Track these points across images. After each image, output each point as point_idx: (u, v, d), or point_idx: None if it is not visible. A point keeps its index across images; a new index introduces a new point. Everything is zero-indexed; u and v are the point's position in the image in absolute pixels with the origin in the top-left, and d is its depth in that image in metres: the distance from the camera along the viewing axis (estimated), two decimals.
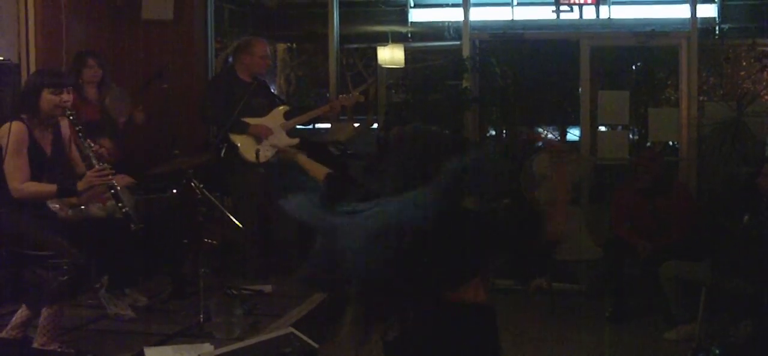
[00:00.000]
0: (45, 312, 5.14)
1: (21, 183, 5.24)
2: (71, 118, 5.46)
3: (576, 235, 8.74)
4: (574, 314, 8.28)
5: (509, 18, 9.70)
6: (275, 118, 7.81)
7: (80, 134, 5.55)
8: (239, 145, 7.55)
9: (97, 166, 5.41)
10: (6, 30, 7.53)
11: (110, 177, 5.43)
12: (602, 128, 9.97)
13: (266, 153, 7.60)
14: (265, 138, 7.64)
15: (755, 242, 6.78)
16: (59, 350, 5.14)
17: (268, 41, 8.21)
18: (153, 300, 6.75)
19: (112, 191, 5.51)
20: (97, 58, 7.23)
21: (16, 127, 5.17)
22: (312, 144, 9.03)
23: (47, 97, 5.28)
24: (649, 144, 10.09)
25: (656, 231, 7.92)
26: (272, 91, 8.60)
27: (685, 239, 7.81)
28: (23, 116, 5.27)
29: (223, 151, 7.55)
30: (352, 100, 8.34)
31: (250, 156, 7.50)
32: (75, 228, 6.16)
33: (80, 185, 5.39)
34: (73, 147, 5.61)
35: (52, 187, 5.38)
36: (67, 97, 5.34)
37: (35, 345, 5.07)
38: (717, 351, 6.07)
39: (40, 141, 5.36)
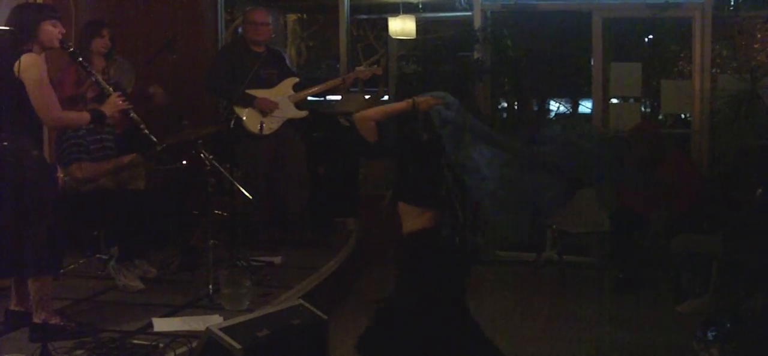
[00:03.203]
0: (32, 284, 5.09)
1: (58, 112, 5.19)
2: (71, 50, 5.47)
3: (586, 208, 8.72)
4: (584, 286, 8.26)
5: None
6: (283, 90, 7.76)
7: (85, 65, 5.67)
8: (244, 117, 7.52)
9: (113, 93, 5.63)
10: (13, 1, 7.47)
11: (128, 103, 5.69)
12: (614, 100, 9.93)
13: (271, 125, 7.57)
14: (269, 112, 7.60)
15: None
16: (61, 324, 5.11)
17: (273, 11, 8.16)
18: (162, 271, 6.73)
19: (131, 116, 5.79)
20: (110, 29, 7.19)
21: (34, 58, 5.03)
22: (322, 115, 9.02)
23: (47, 29, 5.15)
24: (661, 116, 10.05)
25: (663, 201, 7.89)
26: (286, 61, 8.54)
27: (696, 210, 7.78)
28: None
29: (232, 122, 7.53)
30: (368, 73, 8.28)
31: (253, 128, 7.48)
32: (85, 199, 6.17)
33: (108, 109, 5.54)
34: None
35: (86, 115, 5.47)
36: (62, 29, 5.29)
37: (35, 320, 5.03)
38: (728, 325, 6.03)
39: None
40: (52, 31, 5.17)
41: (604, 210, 8.04)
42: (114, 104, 5.58)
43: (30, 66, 4.97)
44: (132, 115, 5.81)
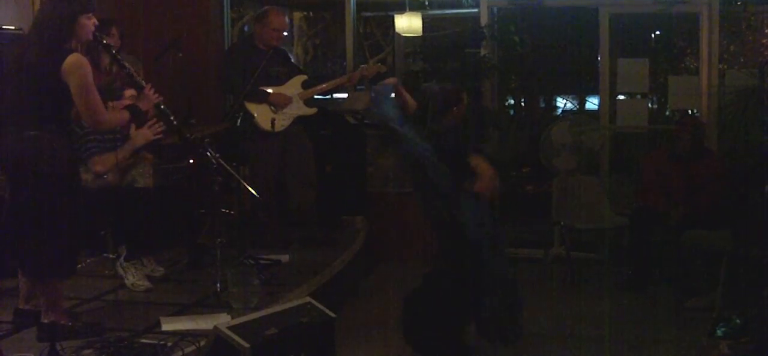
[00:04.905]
0: (46, 287, 5.05)
1: (104, 115, 5.06)
2: (105, 42, 5.39)
3: (595, 204, 8.70)
4: (593, 283, 8.25)
5: None
6: (293, 88, 7.77)
7: (119, 59, 5.54)
8: (255, 114, 7.52)
9: (146, 86, 5.47)
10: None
11: (160, 96, 5.52)
12: (621, 96, 9.90)
13: (282, 122, 7.57)
14: (284, 107, 7.61)
15: None
16: (69, 324, 5.10)
17: (285, 11, 8.13)
18: (170, 270, 6.72)
19: (162, 107, 5.63)
20: (118, 27, 7.19)
21: (80, 60, 4.86)
22: (329, 113, 9.01)
23: (84, 23, 4.98)
24: (667, 112, 10.02)
25: (686, 197, 7.87)
26: (291, 60, 8.54)
27: (714, 208, 7.75)
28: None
29: (239, 120, 7.52)
30: (373, 70, 8.28)
31: (265, 125, 7.48)
32: (93, 197, 6.16)
33: (143, 104, 5.40)
34: None
35: (126, 113, 5.37)
36: (95, 21, 5.11)
37: (44, 320, 5.02)
38: (737, 321, 6.02)
39: None
40: (87, 24, 5.00)
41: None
42: (149, 98, 5.41)
43: (77, 68, 4.84)
44: (163, 106, 5.64)
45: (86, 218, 5.91)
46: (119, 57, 5.59)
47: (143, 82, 5.52)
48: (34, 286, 5.19)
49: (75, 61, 4.85)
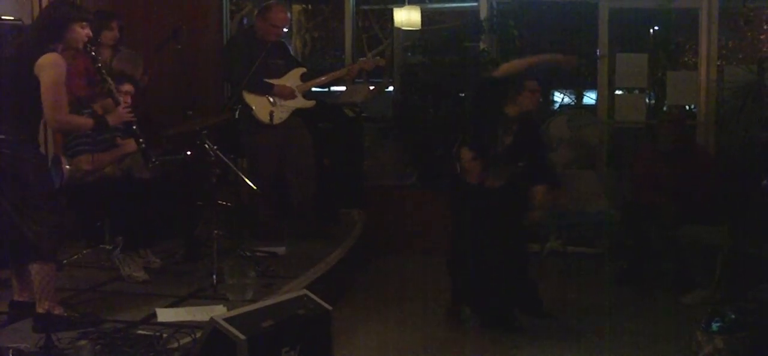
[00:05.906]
0: (35, 274, 5.09)
1: (65, 115, 5.12)
2: (93, 53, 5.42)
3: (592, 198, 8.71)
4: (589, 277, 8.26)
5: None
6: (292, 80, 7.75)
7: (103, 71, 5.54)
8: (253, 106, 7.50)
9: (122, 103, 5.57)
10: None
11: (133, 116, 5.61)
12: (619, 91, 9.91)
13: (280, 115, 7.56)
14: (287, 98, 7.60)
15: None
16: (65, 314, 5.11)
17: (287, 6, 8.10)
18: (166, 261, 6.73)
19: (133, 127, 5.68)
20: (119, 21, 7.17)
21: (56, 58, 4.95)
22: (327, 106, 9.01)
23: (76, 30, 5.08)
24: (665, 108, 10.02)
25: (677, 194, 7.86)
26: (290, 52, 8.52)
27: (708, 203, 7.74)
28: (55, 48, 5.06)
29: (238, 112, 7.51)
30: (372, 63, 8.28)
31: (263, 118, 7.47)
32: (90, 189, 6.17)
33: (112, 120, 5.51)
34: None
35: (90, 121, 5.41)
36: (89, 32, 5.21)
37: (39, 310, 5.03)
38: (733, 316, 6.01)
39: None
40: (80, 32, 5.09)
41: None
42: (120, 116, 5.52)
43: (50, 65, 4.92)
44: (134, 127, 5.70)
45: (83, 209, 5.96)
46: (104, 71, 5.62)
47: (120, 99, 5.62)
48: (19, 275, 5.22)
49: (50, 58, 4.94)
